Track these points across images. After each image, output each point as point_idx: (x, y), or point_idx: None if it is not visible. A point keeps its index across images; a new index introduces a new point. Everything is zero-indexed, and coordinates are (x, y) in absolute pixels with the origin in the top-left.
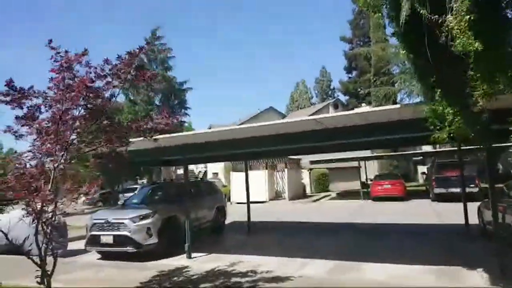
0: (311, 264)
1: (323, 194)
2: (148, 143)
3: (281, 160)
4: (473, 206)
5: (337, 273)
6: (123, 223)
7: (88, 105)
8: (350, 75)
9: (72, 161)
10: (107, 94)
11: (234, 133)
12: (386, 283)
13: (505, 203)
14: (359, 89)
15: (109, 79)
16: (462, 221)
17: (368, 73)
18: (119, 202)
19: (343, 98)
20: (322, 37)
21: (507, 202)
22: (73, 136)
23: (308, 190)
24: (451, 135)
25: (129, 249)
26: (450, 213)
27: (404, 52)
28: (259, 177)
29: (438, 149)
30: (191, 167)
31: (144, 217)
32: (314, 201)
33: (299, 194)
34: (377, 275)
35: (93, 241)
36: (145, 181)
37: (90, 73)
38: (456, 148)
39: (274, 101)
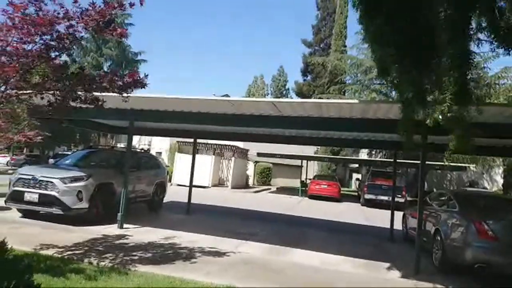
0: (246, 245)
1: (264, 187)
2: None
3: (230, 149)
4: (397, 214)
5: (271, 254)
6: (52, 182)
7: (48, 42)
8: (305, 78)
9: (11, 98)
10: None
11: (190, 104)
12: (315, 268)
13: (427, 211)
14: (312, 93)
15: (74, 22)
16: (388, 226)
17: (322, 79)
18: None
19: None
20: (286, 35)
21: (429, 211)
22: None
23: (251, 182)
24: None
25: (56, 210)
26: (377, 218)
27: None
28: (205, 162)
29: (374, 158)
30: (134, 143)
31: (76, 179)
32: (255, 192)
33: (242, 184)
34: (307, 260)
35: (16, 197)
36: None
37: (59, 13)
38: (391, 160)
39: (230, 91)
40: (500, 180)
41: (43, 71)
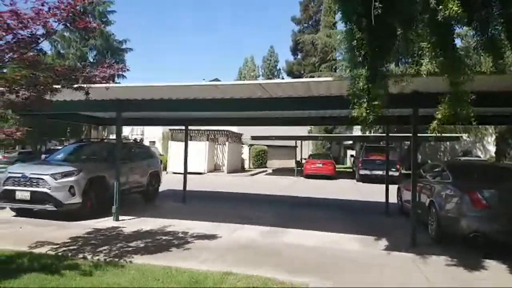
0: (243, 229)
1: (260, 169)
2: (78, 95)
3: (223, 134)
4: (392, 188)
5: (268, 237)
6: (42, 179)
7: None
8: (295, 57)
9: None
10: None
11: (175, 91)
12: (312, 247)
13: (421, 183)
14: (302, 72)
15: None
16: (383, 200)
17: (313, 57)
18: None
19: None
20: (275, 15)
21: (423, 183)
22: None
23: (246, 165)
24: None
25: (48, 207)
26: (373, 193)
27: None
28: (199, 148)
29: (367, 134)
30: (126, 133)
31: (67, 174)
32: (251, 175)
33: (238, 168)
34: (305, 240)
35: (7, 196)
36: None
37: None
38: (384, 134)
39: (221, 74)
40: (492, 149)
41: (17, 66)
